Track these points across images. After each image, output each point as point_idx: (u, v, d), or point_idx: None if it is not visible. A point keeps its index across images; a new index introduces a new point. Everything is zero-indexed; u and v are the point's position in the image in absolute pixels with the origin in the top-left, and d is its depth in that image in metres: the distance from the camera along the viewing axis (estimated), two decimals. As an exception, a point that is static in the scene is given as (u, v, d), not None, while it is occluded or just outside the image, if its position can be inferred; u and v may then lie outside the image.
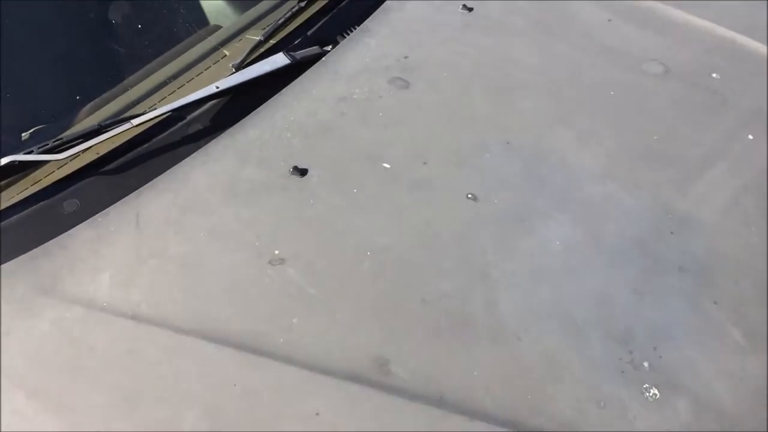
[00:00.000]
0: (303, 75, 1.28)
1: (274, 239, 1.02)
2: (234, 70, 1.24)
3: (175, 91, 1.25)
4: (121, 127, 1.11)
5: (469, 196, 1.09)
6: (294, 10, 1.36)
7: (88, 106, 1.25)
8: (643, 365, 0.92)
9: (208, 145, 1.15)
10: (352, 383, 0.87)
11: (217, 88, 1.19)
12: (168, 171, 1.10)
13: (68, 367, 0.89)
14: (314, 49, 1.34)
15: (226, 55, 1.33)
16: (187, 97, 1.17)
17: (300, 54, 1.30)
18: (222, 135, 1.17)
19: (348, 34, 1.39)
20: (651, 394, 0.89)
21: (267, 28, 1.32)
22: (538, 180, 1.13)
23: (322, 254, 1.01)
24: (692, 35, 1.44)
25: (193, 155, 1.13)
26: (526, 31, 1.42)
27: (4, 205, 1.05)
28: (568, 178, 1.13)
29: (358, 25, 1.41)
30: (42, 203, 1.06)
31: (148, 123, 1.14)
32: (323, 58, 1.32)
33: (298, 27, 1.38)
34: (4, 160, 1.03)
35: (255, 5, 1.48)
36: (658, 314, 0.97)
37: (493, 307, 0.96)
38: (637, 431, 0.86)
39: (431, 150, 1.16)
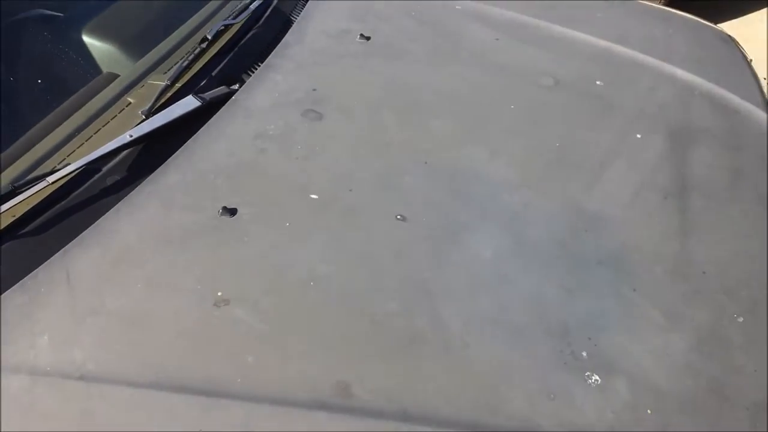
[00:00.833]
0: (216, 115, 1.28)
1: (215, 281, 1.02)
2: (144, 117, 1.23)
3: (83, 143, 1.22)
4: (36, 186, 1.07)
5: (398, 217, 1.13)
6: (196, 51, 1.37)
7: (-9, 168, 1.19)
8: (582, 355, 0.99)
9: (130, 194, 1.13)
10: (318, 411, 0.89)
11: (131, 136, 1.18)
12: (93, 225, 1.07)
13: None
14: (223, 89, 1.34)
15: (131, 103, 1.30)
16: (102, 148, 1.15)
17: (209, 95, 1.31)
18: (143, 183, 1.15)
19: (253, 72, 1.41)
20: (593, 380, 0.96)
21: (171, 72, 1.31)
22: (459, 195, 1.19)
23: (266, 290, 1.02)
24: (573, 48, 1.57)
25: (116, 207, 1.11)
26: (424, 55, 1.50)
27: None
28: (486, 190, 1.20)
29: (262, 62, 1.43)
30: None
31: (65, 179, 1.10)
32: (233, 97, 1.33)
33: (201, 68, 1.38)
34: None
35: (150, 51, 1.47)
36: (587, 306, 1.04)
37: (438, 319, 1.00)
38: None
39: (354, 177, 1.20)
